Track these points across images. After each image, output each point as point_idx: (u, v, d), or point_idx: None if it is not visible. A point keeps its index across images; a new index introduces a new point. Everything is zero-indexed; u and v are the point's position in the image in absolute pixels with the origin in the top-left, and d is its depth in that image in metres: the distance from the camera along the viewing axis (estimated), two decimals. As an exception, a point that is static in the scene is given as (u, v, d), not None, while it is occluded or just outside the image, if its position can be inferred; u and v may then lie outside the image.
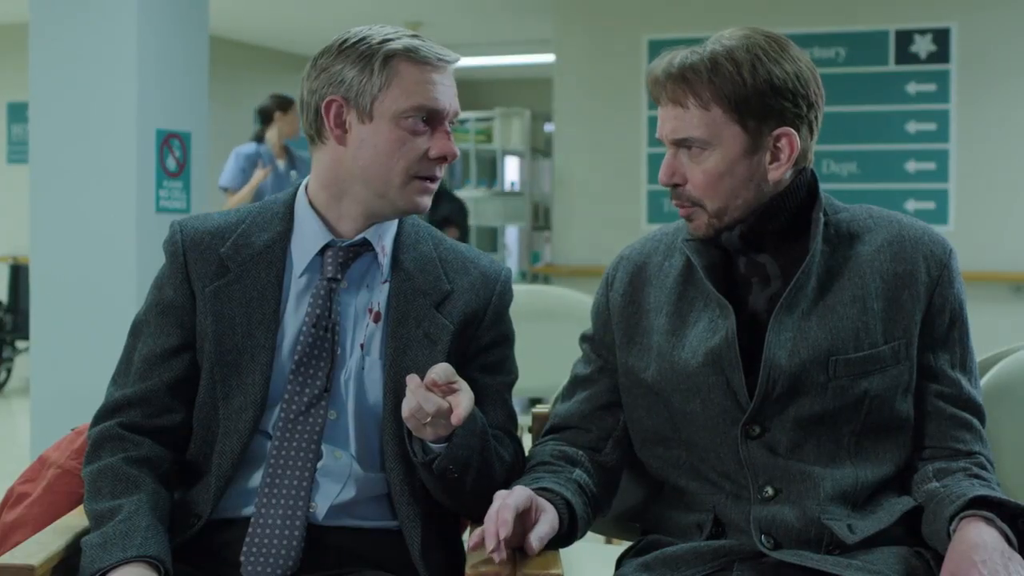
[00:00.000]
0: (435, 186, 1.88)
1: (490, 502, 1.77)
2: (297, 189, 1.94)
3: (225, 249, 1.88)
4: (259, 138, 6.76)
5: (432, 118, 1.84)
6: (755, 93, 1.75)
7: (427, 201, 1.88)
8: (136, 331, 1.91)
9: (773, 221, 1.81)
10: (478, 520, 1.83)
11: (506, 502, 1.66)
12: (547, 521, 1.69)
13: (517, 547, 1.69)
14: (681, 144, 1.80)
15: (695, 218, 1.82)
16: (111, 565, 1.67)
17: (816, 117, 1.81)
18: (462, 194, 10.48)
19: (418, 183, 1.85)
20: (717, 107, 1.76)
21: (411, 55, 1.82)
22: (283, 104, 6.69)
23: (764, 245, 1.82)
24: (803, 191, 1.83)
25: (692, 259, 1.84)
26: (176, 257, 1.89)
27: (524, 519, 1.68)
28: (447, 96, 1.84)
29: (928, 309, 1.80)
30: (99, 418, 1.87)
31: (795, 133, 1.78)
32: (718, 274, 1.83)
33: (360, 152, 1.84)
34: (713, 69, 1.75)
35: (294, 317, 1.86)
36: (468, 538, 1.91)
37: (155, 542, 1.70)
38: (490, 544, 1.61)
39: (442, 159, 1.84)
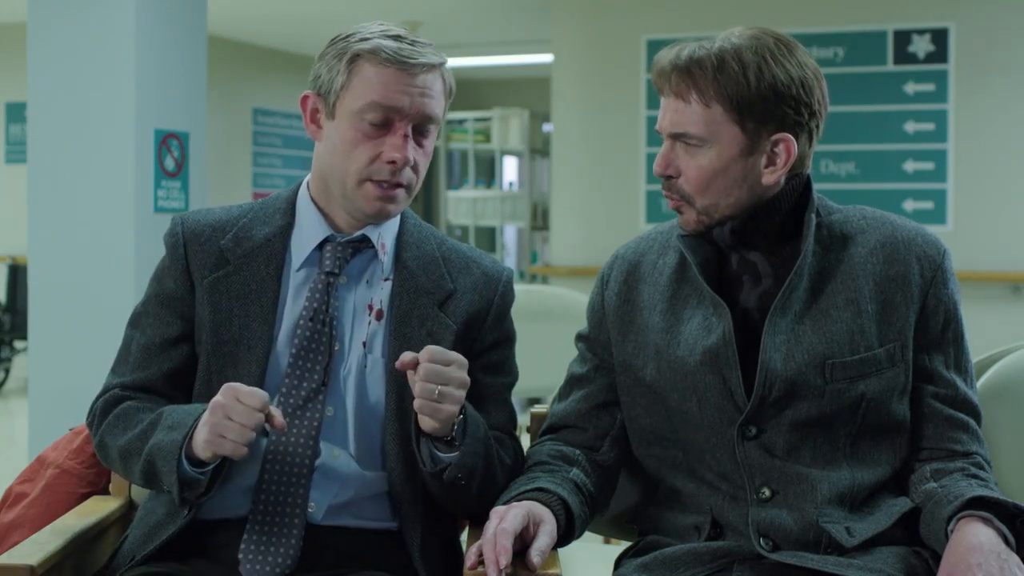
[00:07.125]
0: (398, 193, 1.83)
1: (491, 504, 1.77)
2: (300, 184, 1.95)
3: (226, 241, 1.88)
4: None
5: (390, 120, 1.80)
6: (758, 96, 1.74)
7: (389, 208, 1.84)
8: (135, 322, 1.91)
9: (764, 221, 1.81)
10: (477, 521, 1.83)
11: (504, 527, 1.63)
12: (546, 533, 1.69)
13: (518, 551, 1.68)
14: (678, 138, 1.80)
15: (683, 212, 1.83)
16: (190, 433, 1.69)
17: (817, 125, 1.80)
18: (460, 194, 10.50)
19: (372, 187, 1.82)
20: (718, 105, 1.76)
21: (374, 54, 1.80)
22: None
23: (755, 243, 1.82)
24: (796, 194, 1.82)
25: (686, 255, 1.84)
26: (176, 249, 1.89)
27: (523, 534, 1.67)
28: (409, 97, 1.80)
29: (922, 310, 1.80)
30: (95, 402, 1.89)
31: (793, 140, 1.77)
32: (711, 271, 1.84)
33: (327, 148, 1.85)
34: (719, 67, 1.75)
35: (292, 311, 1.86)
36: (466, 537, 1.91)
37: None
38: (491, 573, 1.60)
39: (393, 163, 1.80)
